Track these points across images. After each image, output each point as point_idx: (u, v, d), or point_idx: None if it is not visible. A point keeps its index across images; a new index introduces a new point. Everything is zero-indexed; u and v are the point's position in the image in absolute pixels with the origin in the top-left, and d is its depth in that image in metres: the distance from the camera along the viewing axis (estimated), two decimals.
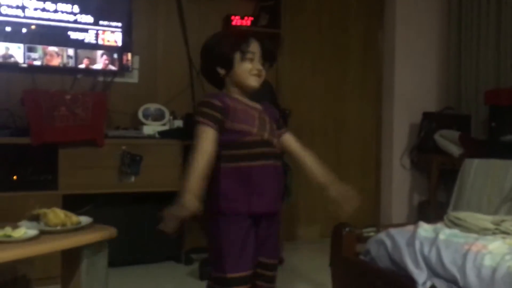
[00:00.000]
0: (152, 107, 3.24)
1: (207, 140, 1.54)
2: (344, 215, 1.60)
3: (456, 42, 3.82)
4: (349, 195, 1.62)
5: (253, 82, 1.62)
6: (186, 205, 1.44)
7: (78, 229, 1.69)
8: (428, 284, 1.44)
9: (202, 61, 1.70)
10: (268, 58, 1.66)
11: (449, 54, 3.88)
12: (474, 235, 1.53)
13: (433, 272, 1.45)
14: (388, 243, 1.63)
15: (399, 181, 3.94)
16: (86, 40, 3.08)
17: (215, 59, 1.63)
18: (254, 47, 1.61)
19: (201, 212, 1.48)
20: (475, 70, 3.66)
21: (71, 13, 3.03)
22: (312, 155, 1.71)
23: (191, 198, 1.45)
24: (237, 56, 1.60)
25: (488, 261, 1.33)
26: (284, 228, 3.53)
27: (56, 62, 3.01)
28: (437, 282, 1.42)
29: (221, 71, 1.63)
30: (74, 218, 1.70)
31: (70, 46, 3.04)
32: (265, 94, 3.19)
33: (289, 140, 1.74)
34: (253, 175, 1.58)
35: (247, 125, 1.60)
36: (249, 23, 3.53)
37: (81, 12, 3.06)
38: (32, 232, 1.62)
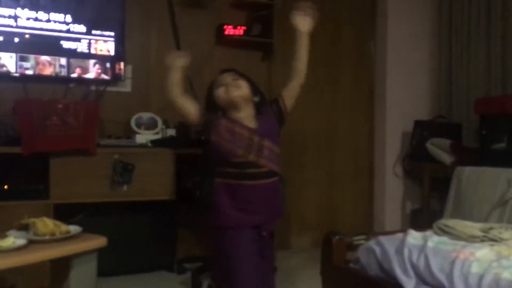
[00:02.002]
0: (145, 116, 3.25)
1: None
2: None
3: (447, 51, 3.85)
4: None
5: (221, 93, 1.92)
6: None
7: (67, 238, 1.68)
8: None
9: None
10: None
11: (440, 63, 3.92)
12: (462, 243, 1.53)
13: (421, 279, 1.45)
14: (378, 251, 1.64)
15: (392, 189, 3.95)
16: (79, 50, 3.09)
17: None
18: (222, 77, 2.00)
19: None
20: (465, 79, 3.69)
21: (64, 22, 3.04)
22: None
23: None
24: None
25: (475, 268, 1.33)
26: (276, 237, 3.52)
27: (48, 71, 3.02)
28: None
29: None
30: (63, 227, 1.69)
31: (63, 56, 3.04)
32: None
33: (287, 88, 2.15)
34: (241, 192, 1.71)
35: (233, 146, 1.77)
36: (241, 32, 3.55)
37: (73, 22, 3.07)
38: (21, 241, 1.61)
